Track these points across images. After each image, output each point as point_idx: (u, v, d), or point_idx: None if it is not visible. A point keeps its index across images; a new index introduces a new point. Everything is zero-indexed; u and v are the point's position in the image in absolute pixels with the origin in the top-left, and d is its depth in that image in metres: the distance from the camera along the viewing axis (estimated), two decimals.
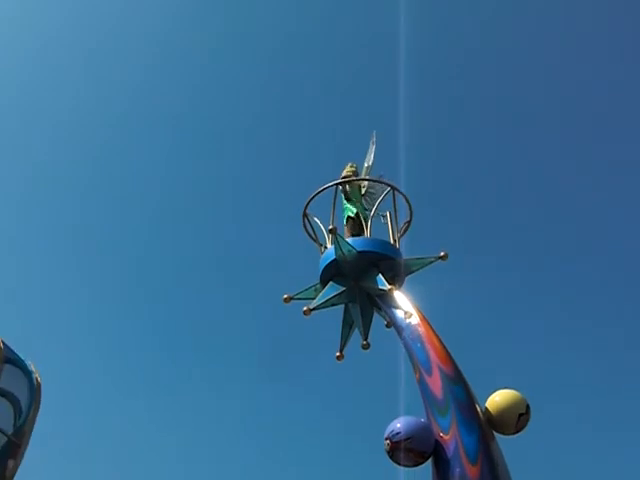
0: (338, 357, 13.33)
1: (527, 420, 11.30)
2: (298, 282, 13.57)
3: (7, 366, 12.92)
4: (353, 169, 14.27)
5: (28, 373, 13.29)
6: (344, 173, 14.20)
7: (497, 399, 11.33)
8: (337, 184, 13.81)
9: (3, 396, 12.87)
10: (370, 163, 14.26)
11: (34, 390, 13.16)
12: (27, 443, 12.82)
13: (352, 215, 13.67)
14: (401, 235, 13.71)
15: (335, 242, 12.71)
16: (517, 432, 11.30)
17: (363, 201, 13.99)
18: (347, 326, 13.25)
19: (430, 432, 10.74)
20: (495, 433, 11.27)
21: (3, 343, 12.92)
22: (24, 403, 13.05)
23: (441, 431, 10.71)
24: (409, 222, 13.80)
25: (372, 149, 14.37)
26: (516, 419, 11.16)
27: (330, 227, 12.90)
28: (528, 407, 11.29)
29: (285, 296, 13.29)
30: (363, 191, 14.14)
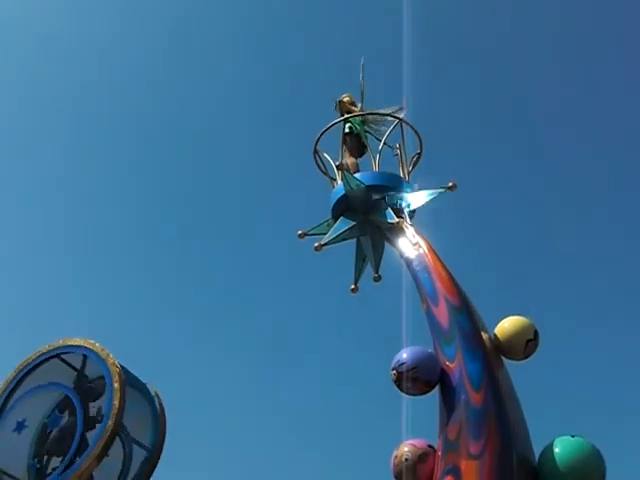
0: (353, 290, 13.62)
1: (535, 346, 11.49)
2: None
3: (128, 389, 11.97)
4: (349, 98, 14.39)
5: (150, 399, 12.58)
6: (343, 99, 14.32)
7: (506, 325, 11.53)
8: (344, 119, 13.93)
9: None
10: (362, 88, 14.39)
11: (158, 418, 12.39)
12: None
13: (347, 131, 13.89)
14: (412, 168, 13.82)
15: (343, 178, 12.89)
16: (526, 358, 11.51)
17: (365, 127, 14.08)
18: (360, 259, 13.50)
19: (435, 361, 11.02)
20: (505, 359, 11.58)
21: (121, 366, 12.05)
22: (149, 435, 12.25)
23: (447, 360, 10.98)
24: (419, 154, 13.88)
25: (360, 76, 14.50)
26: (524, 345, 11.36)
27: (337, 163, 13.08)
28: (536, 333, 11.47)
29: (299, 232, 13.52)
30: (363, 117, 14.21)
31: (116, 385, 11.58)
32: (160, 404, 12.46)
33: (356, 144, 13.85)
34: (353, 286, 13.60)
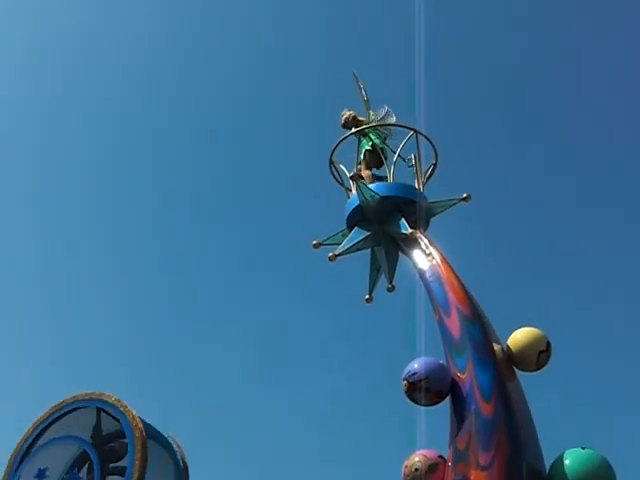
0: (367, 300, 13.69)
1: (548, 357, 11.52)
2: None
3: (150, 442, 12.00)
4: (351, 114, 14.50)
5: (172, 452, 12.68)
6: (343, 120, 14.46)
7: (518, 336, 11.57)
8: (359, 131, 14.03)
9: None
10: (365, 98, 14.51)
11: (180, 472, 12.54)
12: None
13: (369, 148, 13.92)
14: (428, 178, 13.87)
15: (357, 189, 12.99)
16: (538, 369, 11.55)
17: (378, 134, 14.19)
18: (375, 270, 13.55)
19: (446, 372, 11.08)
20: (517, 370, 11.62)
21: (142, 421, 12.08)
22: None
23: (458, 370, 11.04)
24: (435, 164, 13.93)
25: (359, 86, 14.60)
26: (536, 356, 11.39)
27: (351, 174, 13.18)
28: (549, 344, 11.50)
29: (314, 242, 13.61)
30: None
31: (137, 445, 11.62)
32: (183, 458, 12.55)
33: (374, 158, 13.91)
34: (368, 296, 13.68)
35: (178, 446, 12.58)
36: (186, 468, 12.40)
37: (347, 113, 14.66)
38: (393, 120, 14.39)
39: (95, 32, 41.18)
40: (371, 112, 14.58)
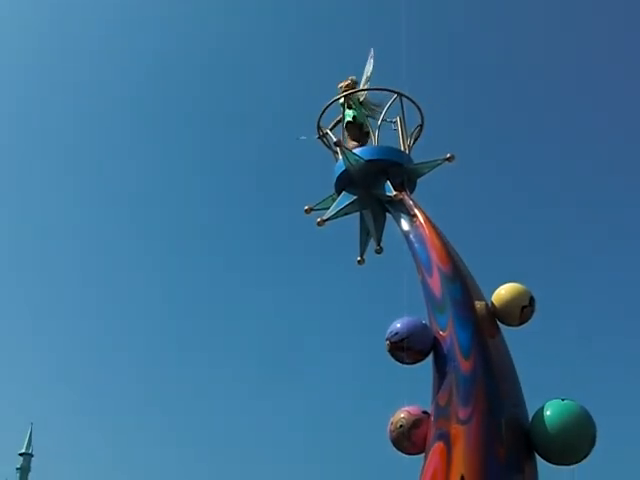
0: (359, 262, 13.90)
1: (531, 312, 11.74)
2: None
3: None
4: (350, 81, 14.46)
5: None
6: (342, 85, 14.45)
7: (502, 292, 11.79)
8: (344, 96, 14.10)
9: None
10: (369, 74, 14.41)
11: None
12: None
13: (350, 119, 13.97)
14: (415, 139, 13.96)
15: (342, 154, 13.15)
16: (521, 323, 11.77)
17: (363, 110, 14.20)
18: (364, 232, 13.70)
19: (428, 330, 11.38)
20: (502, 325, 11.84)
21: None
22: None
23: (440, 328, 11.34)
24: (421, 126, 14.01)
25: (370, 62, 14.51)
26: (520, 311, 11.63)
27: (335, 140, 13.31)
28: (532, 299, 11.71)
29: (306, 207, 13.77)
30: (361, 99, 14.28)
31: None
32: None
33: (358, 132, 13.97)
34: (359, 258, 13.91)
35: None
36: None
37: (348, 80, 14.65)
38: (385, 105, 14.29)
39: None
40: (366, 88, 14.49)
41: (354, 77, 14.54)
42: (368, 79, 14.44)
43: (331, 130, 14.22)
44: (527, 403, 11.14)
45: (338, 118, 14.27)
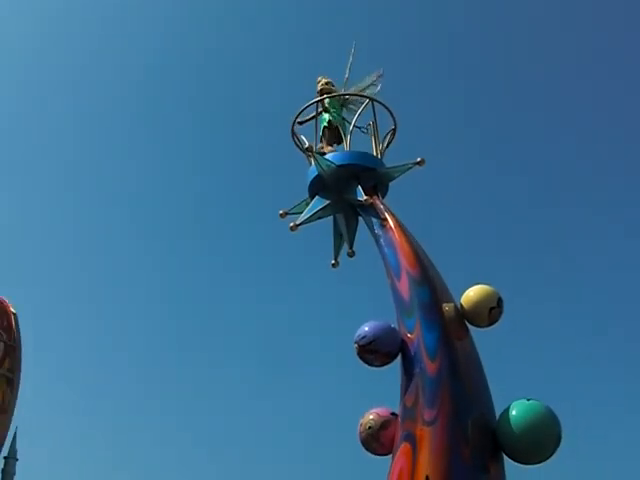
0: (333, 265, 14.09)
1: (499, 313, 11.91)
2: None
3: None
4: (327, 82, 14.64)
5: None
6: (319, 87, 14.63)
7: (471, 294, 11.96)
8: (318, 101, 14.29)
9: None
10: (348, 75, 14.62)
11: None
12: None
13: (326, 124, 14.15)
14: (388, 144, 14.12)
15: (314, 160, 13.32)
16: (490, 324, 11.93)
17: (344, 111, 14.39)
18: (338, 236, 13.88)
19: (394, 333, 11.55)
20: (471, 327, 12.01)
21: None
22: None
23: (407, 331, 11.52)
24: (394, 130, 14.17)
25: (350, 60, 14.71)
26: (488, 312, 11.79)
27: (306, 146, 13.47)
28: (500, 301, 11.88)
29: (280, 212, 13.96)
30: (342, 101, 14.45)
31: None
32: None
33: (334, 135, 14.15)
34: (333, 261, 14.09)
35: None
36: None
37: (322, 80, 14.83)
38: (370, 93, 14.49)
39: None
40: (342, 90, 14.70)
41: (329, 81, 14.75)
42: (348, 79, 14.63)
43: (305, 122, 14.38)
44: (497, 403, 11.34)
45: (312, 115, 14.44)
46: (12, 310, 15.56)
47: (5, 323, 15.34)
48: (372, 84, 14.67)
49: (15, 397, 14.71)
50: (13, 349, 15.00)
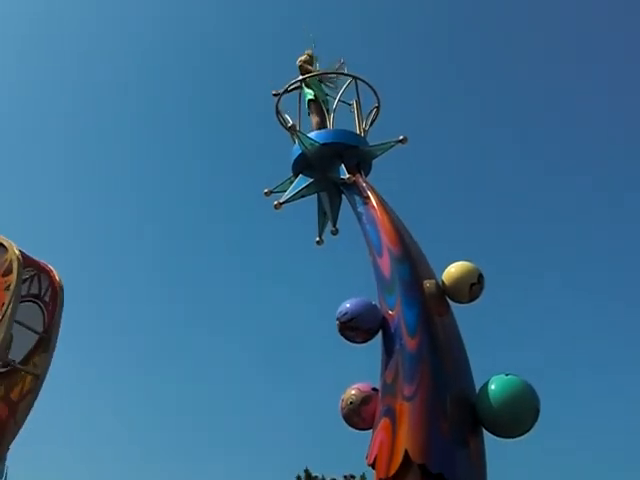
0: (318, 242, 14.24)
1: (480, 289, 12.05)
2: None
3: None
4: (309, 55, 14.71)
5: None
6: (300, 62, 14.70)
7: (452, 270, 12.08)
8: (301, 81, 14.38)
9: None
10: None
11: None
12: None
13: (312, 97, 14.24)
14: (372, 122, 14.22)
15: (297, 138, 13.41)
16: (471, 300, 12.07)
17: (323, 87, 14.47)
18: (322, 214, 14.04)
19: (375, 310, 11.70)
20: (453, 303, 12.17)
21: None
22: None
23: (388, 308, 11.66)
24: (377, 108, 14.26)
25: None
26: (468, 288, 11.94)
27: (289, 125, 13.54)
28: (480, 277, 12.02)
29: (265, 190, 14.09)
30: (321, 78, 14.52)
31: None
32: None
33: (320, 109, 14.22)
34: (318, 239, 14.24)
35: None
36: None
37: (304, 56, 14.88)
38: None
39: None
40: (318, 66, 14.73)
41: (311, 52, 14.82)
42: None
43: (286, 92, 14.47)
44: (478, 379, 11.47)
45: (295, 85, 14.53)
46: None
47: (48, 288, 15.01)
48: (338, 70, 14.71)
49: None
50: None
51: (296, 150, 13.66)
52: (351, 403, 11.59)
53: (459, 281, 11.96)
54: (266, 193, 14.06)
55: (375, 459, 10.75)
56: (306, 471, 28.96)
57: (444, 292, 12.02)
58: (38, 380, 13.86)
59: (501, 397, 10.80)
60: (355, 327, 11.58)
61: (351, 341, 11.82)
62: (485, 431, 11.12)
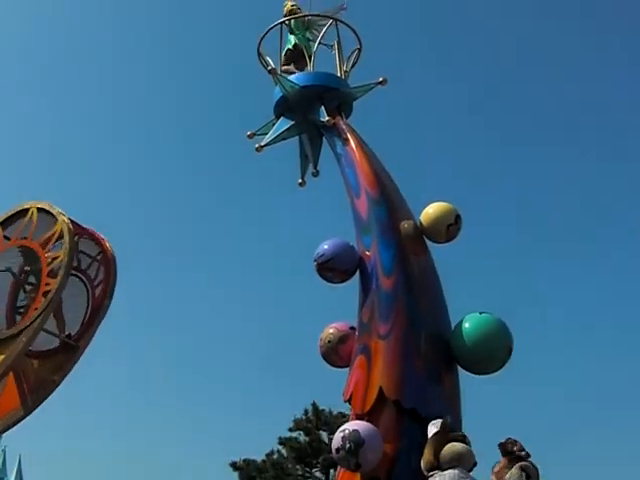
0: (300, 184, 14.37)
1: (457, 230, 12.24)
2: None
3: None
4: (292, 5, 14.66)
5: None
6: (285, 10, 14.66)
7: (430, 211, 12.25)
8: (283, 22, 14.36)
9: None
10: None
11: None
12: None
13: (290, 47, 14.22)
14: (353, 64, 14.21)
15: (277, 81, 13.46)
16: (448, 241, 12.28)
17: (308, 33, 14.45)
18: (304, 156, 14.09)
19: (352, 251, 11.90)
20: (430, 243, 12.35)
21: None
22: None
23: (365, 249, 11.86)
24: (359, 49, 14.25)
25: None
26: (445, 229, 12.14)
27: (269, 68, 13.56)
28: (458, 217, 12.20)
29: (248, 133, 14.12)
30: (306, 25, 14.48)
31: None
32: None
33: (298, 59, 14.18)
34: (300, 180, 14.37)
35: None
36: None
37: (288, 4, 14.84)
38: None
39: None
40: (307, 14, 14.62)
41: (295, 3, 14.76)
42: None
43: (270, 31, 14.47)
44: (456, 318, 11.66)
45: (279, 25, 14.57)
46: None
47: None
48: (335, 13, 14.61)
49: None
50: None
51: (277, 93, 13.69)
52: (329, 342, 11.88)
53: (436, 222, 12.14)
54: (249, 135, 14.11)
55: (351, 396, 11.06)
56: (313, 404, 29.52)
57: (422, 233, 12.21)
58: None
59: (475, 335, 11.07)
60: (332, 268, 11.80)
61: (329, 281, 12.05)
62: (461, 369, 11.44)
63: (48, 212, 12.78)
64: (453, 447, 8.88)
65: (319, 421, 29.01)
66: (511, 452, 8.47)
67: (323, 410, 29.16)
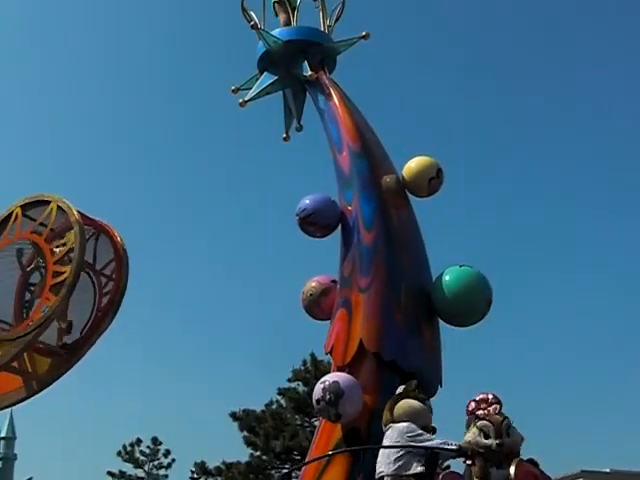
0: (285, 138, 14.39)
1: (439, 184, 12.32)
2: None
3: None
4: None
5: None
6: None
7: (412, 165, 12.31)
8: None
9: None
10: None
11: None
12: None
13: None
14: (337, 18, 14.12)
15: (260, 36, 13.41)
16: (430, 195, 12.36)
17: None
18: (288, 110, 14.11)
19: (333, 206, 12.01)
20: (413, 197, 12.45)
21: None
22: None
23: (347, 203, 11.96)
24: (343, 4, 14.16)
25: None
26: (427, 182, 12.22)
27: (252, 23, 13.51)
28: (439, 171, 12.27)
29: (233, 87, 14.10)
30: None
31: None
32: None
33: (285, 8, 14.02)
34: (285, 135, 14.39)
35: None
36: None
37: None
38: None
39: None
40: None
41: None
42: None
43: None
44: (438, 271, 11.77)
45: None
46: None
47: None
48: None
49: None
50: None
51: (261, 48, 13.63)
52: (311, 295, 12.04)
53: (418, 175, 12.21)
54: (233, 90, 14.08)
55: (332, 348, 11.25)
56: (312, 355, 29.85)
57: (404, 186, 12.29)
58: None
59: (455, 287, 11.22)
60: (314, 222, 11.91)
61: (311, 236, 12.17)
62: (441, 321, 11.61)
63: (64, 212, 12.39)
64: (407, 403, 9.22)
65: (318, 372, 29.24)
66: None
67: (322, 361, 29.42)
